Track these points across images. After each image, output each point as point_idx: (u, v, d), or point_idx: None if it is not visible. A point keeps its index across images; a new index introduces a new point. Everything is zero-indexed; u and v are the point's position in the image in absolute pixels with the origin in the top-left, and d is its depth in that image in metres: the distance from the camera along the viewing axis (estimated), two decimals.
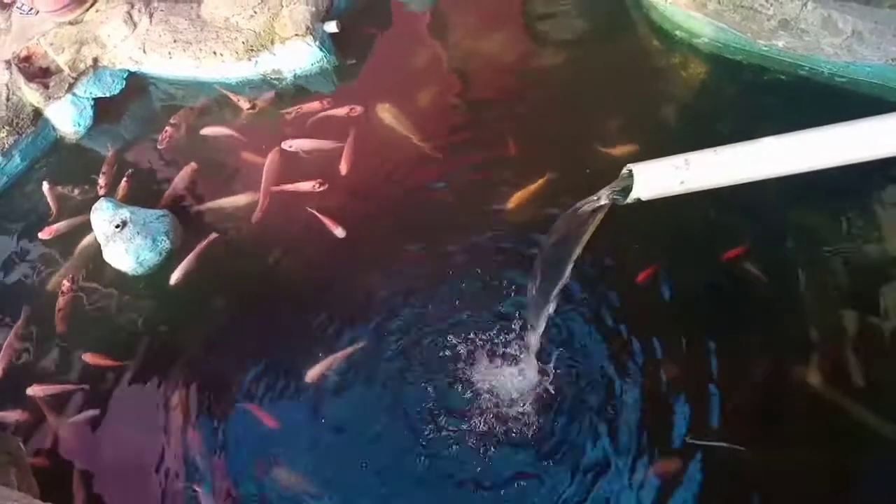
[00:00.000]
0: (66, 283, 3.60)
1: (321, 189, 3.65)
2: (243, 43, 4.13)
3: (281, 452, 2.95)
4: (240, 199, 3.78)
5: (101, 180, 4.02)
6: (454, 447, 2.83)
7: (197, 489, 2.89)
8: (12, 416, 3.25)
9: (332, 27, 4.15)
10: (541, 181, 3.44)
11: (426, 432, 2.88)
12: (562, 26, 4.28)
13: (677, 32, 3.89)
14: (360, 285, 3.37)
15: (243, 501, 2.87)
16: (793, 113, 3.44)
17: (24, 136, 4.22)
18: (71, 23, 4.42)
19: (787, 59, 3.57)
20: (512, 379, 2.96)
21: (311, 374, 3.07)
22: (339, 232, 3.50)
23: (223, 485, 2.91)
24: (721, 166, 1.78)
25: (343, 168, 3.71)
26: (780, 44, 3.50)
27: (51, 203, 4.00)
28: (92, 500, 2.98)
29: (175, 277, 3.47)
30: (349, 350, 3.12)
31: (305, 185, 3.68)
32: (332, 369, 3.09)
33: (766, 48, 3.58)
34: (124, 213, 3.53)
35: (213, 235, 3.62)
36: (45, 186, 4.05)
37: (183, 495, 2.92)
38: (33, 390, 3.27)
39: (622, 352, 2.96)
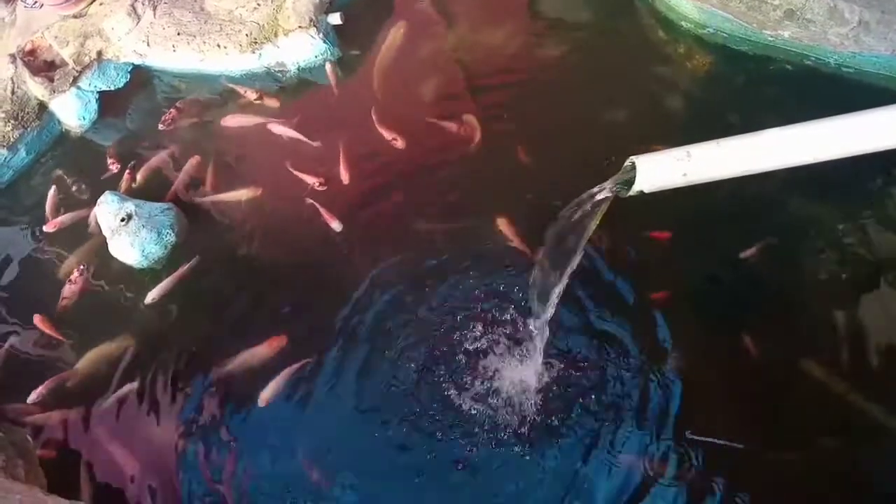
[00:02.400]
0: (75, 273, 3.62)
1: (321, 188, 3.67)
2: (247, 35, 4.12)
3: (289, 445, 2.97)
4: (243, 193, 3.79)
5: (110, 161, 4.09)
6: (448, 441, 2.85)
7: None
8: (56, 416, 3.25)
9: (335, 19, 4.15)
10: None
11: (423, 428, 2.91)
12: (566, 17, 4.26)
13: (682, 23, 3.86)
14: (360, 281, 3.38)
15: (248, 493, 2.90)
16: (799, 104, 3.43)
17: (29, 129, 4.23)
18: (75, 16, 4.42)
19: (792, 49, 3.54)
20: (515, 372, 2.96)
21: (264, 395, 3.05)
22: (336, 225, 3.52)
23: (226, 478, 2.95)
24: (723, 158, 1.78)
25: (344, 177, 3.70)
26: (786, 34, 3.48)
27: (48, 209, 3.98)
28: (98, 492, 3.00)
29: (151, 297, 3.45)
30: (297, 365, 3.12)
31: (310, 178, 3.71)
32: (284, 387, 3.07)
33: (771, 38, 3.55)
34: (129, 206, 3.54)
35: (195, 260, 3.57)
36: (51, 190, 4.06)
37: (186, 486, 2.95)
38: (35, 394, 3.26)
39: (622, 346, 2.96)
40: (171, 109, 4.22)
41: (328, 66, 4.15)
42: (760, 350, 2.85)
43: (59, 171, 4.21)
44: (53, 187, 4.07)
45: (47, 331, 3.47)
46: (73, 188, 4.11)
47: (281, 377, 3.08)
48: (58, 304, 3.56)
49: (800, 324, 2.94)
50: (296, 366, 3.11)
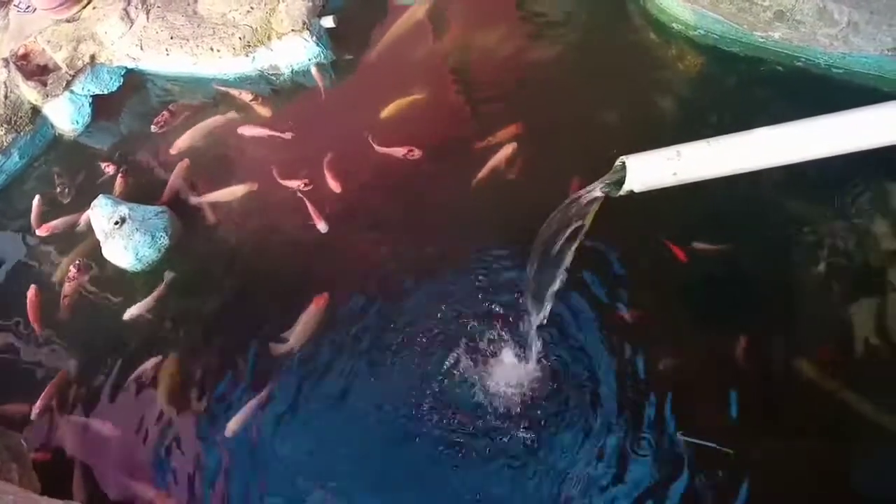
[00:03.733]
0: (72, 270, 3.64)
1: (307, 189, 3.69)
2: (240, 39, 4.13)
3: (280, 446, 2.98)
4: (237, 190, 3.80)
5: (103, 164, 4.13)
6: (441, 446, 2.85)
7: None
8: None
9: (328, 22, 4.15)
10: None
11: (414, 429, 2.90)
12: (558, 20, 4.27)
13: (674, 24, 3.88)
14: (355, 282, 3.38)
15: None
16: (790, 104, 3.44)
17: (22, 133, 4.23)
18: (68, 20, 4.43)
19: (783, 50, 3.56)
20: (508, 372, 2.97)
21: (231, 426, 3.00)
22: (322, 226, 3.54)
23: (223, 479, 2.95)
24: (713, 157, 1.79)
25: (335, 187, 3.68)
26: (776, 35, 3.50)
27: (33, 218, 3.98)
28: (93, 496, 3.00)
29: (129, 314, 3.44)
30: (263, 394, 3.08)
31: (293, 183, 3.72)
32: (251, 417, 3.03)
33: (762, 40, 3.57)
34: (123, 209, 3.54)
35: (170, 277, 3.55)
36: (36, 200, 4.04)
37: (182, 488, 2.95)
38: (37, 408, 3.25)
39: (619, 343, 2.96)
40: (164, 112, 4.23)
41: (314, 70, 4.16)
42: (755, 349, 2.85)
43: (52, 176, 4.20)
44: (38, 197, 4.06)
45: (32, 311, 3.56)
46: (67, 192, 4.11)
47: (248, 407, 3.04)
48: (61, 303, 3.58)
49: (796, 322, 2.94)
50: (263, 394, 3.08)
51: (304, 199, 3.64)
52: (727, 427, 2.69)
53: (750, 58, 3.67)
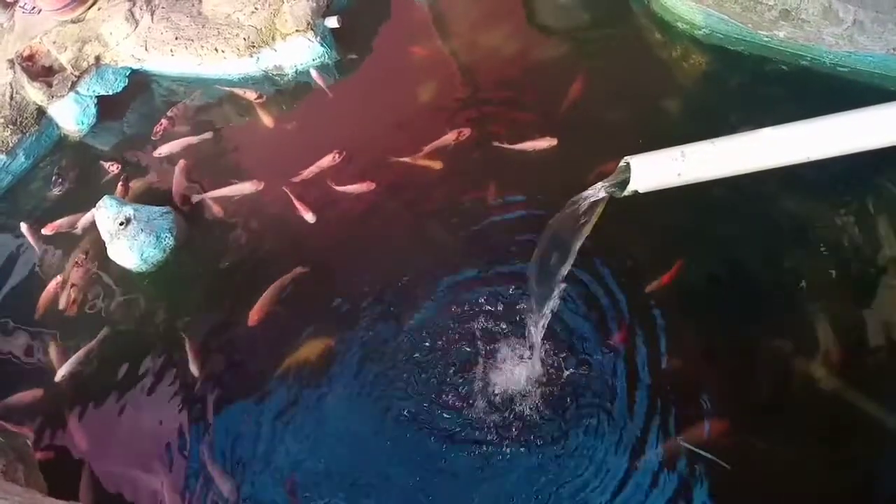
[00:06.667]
0: (80, 256, 3.69)
1: (341, 159, 3.74)
2: (244, 39, 4.13)
3: (280, 444, 2.99)
4: (245, 187, 3.81)
5: (108, 164, 4.16)
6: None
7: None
8: None
9: (332, 22, 4.16)
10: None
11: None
12: (563, 19, 4.28)
13: (678, 24, 3.87)
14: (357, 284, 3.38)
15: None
16: (795, 104, 3.43)
17: (27, 134, 4.25)
18: (73, 21, 4.44)
19: (788, 49, 3.55)
20: (508, 372, 2.97)
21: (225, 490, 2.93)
22: (310, 217, 3.56)
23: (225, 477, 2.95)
24: (717, 158, 1.78)
25: (359, 188, 3.66)
26: (781, 34, 3.49)
27: (33, 243, 3.92)
28: (99, 494, 3.01)
29: (61, 374, 3.35)
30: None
31: (326, 161, 3.75)
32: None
33: (767, 39, 3.56)
34: (128, 210, 3.54)
35: (104, 332, 3.48)
36: (24, 227, 3.94)
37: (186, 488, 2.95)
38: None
39: (619, 344, 2.96)
40: (163, 120, 4.25)
41: (313, 72, 4.17)
42: (758, 349, 2.85)
43: (55, 177, 4.23)
44: (24, 224, 3.94)
45: (45, 299, 3.63)
46: (60, 181, 4.15)
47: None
48: (68, 305, 3.60)
49: (799, 322, 2.93)
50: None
51: (289, 192, 3.66)
52: (729, 428, 2.68)
53: (755, 57, 3.66)
